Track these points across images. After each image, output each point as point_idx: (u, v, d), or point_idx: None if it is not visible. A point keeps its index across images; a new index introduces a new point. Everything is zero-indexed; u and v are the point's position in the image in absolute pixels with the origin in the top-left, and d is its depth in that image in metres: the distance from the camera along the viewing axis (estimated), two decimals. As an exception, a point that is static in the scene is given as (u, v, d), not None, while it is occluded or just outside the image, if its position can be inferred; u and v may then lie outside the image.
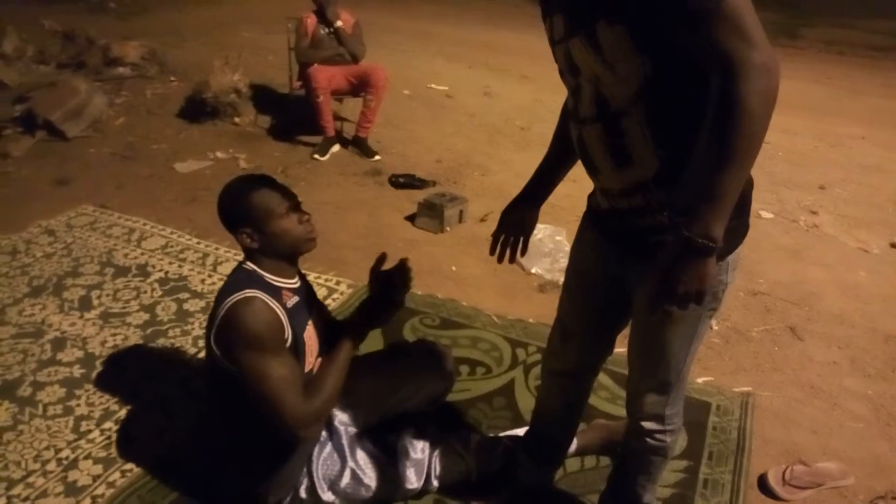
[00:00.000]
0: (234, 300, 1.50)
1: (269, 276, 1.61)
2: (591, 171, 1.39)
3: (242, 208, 1.58)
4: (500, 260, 1.72)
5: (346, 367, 1.64)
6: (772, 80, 1.04)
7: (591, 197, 1.53)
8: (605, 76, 1.22)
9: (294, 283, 1.68)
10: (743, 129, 1.04)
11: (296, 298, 1.65)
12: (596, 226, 1.51)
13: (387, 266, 1.76)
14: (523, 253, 1.74)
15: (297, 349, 1.60)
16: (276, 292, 1.58)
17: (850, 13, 11.16)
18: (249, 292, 1.51)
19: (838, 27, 10.31)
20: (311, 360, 1.68)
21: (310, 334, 1.67)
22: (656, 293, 1.19)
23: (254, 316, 1.48)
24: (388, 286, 1.74)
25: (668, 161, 1.23)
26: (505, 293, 3.04)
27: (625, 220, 1.37)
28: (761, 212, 3.95)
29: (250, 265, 1.62)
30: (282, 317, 1.54)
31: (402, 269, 1.78)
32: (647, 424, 1.57)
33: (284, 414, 1.49)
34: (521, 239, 1.72)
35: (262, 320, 1.49)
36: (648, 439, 1.58)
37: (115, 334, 2.57)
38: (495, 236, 1.73)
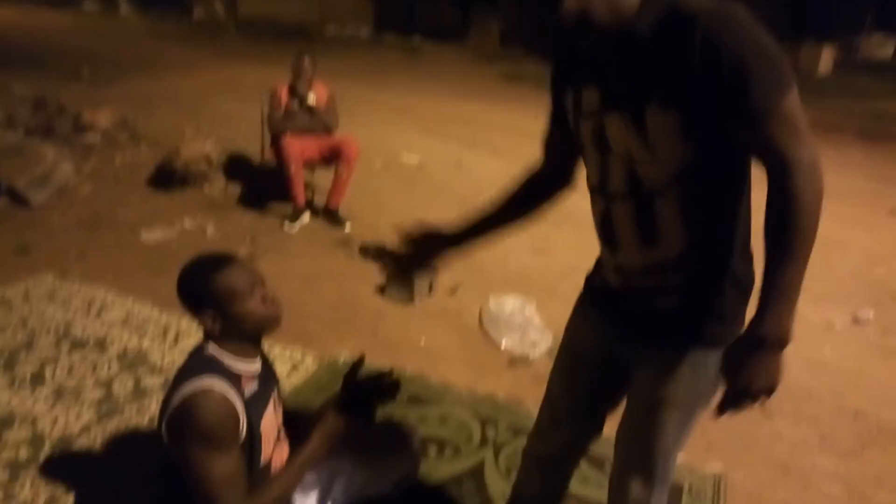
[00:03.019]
0: (191, 391, 1.43)
1: (228, 361, 1.54)
2: (611, 245, 1.38)
3: (204, 290, 1.52)
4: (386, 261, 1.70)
5: (299, 474, 1.56)
6: (821, 177, 1.09)
7: (592, 276, 1.53)
8: (641, 157, 1.22)
9: (255, 367, 1.61)
10: (801, 225, 1.08)
11: (255, 385, 1.57)
12: (599, 305, 1.49)
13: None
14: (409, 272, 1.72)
15: (252, 441, 1.53)
16: (235, 380, 1.51)
17: (802, 93, 11.70)
18: (207, 383, 1.44)
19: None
20: (269, 449, 1.61)
21: (267, 423, 1.59)
22: (728, 393, 1.21)
23: (209, 410, 1.41)
24: (359, 400, 1.67)
25: (693, 245, 1.26)
26: (475, 367, 3.00)
27: (636, 300, 1.37)
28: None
29: (210, 349, 1.55)
30: (238, 410, 1.47)
31: (381, 384, 1.72)
32: None
33: None
34: (412, 263, 1.67)
35: (217, 415, 1.42)
36: None
37: (67, 412, 2.46)
38: (404, 249, 1.64)
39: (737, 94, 1.06)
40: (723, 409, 1.23)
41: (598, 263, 1.50)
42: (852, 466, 2.49)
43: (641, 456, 1.46)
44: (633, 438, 1.47)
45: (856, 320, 3.73)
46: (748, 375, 1.16)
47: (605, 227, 1.36)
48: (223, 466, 1.42)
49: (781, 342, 1.14)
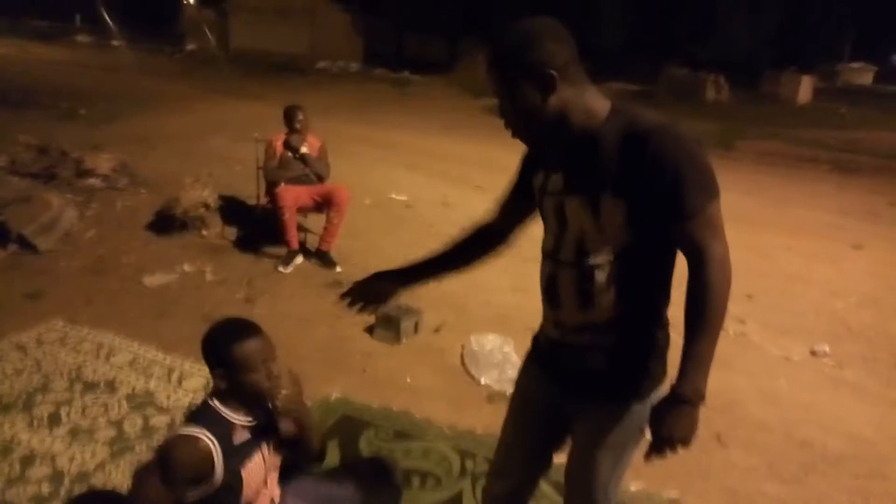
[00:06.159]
0: (182, 432, 1.72)
1: (226, 412, 1.79)
2: (553, 304, 1.63)
3: (222, 353, 1.76)
4: (349, 306, 1.91)
5: None
6: (729, 270, 1.38)
7: (537, 335, 1.79)
8: (592, 234, 1.48)
9: (249, 419, 1.84)
10: (712, 307, 1.36)
11: (247, 434, 1.81)
12: (542, 363, 1.76)
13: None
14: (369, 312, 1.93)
15: (229, 485, 1.75)
16: (228, 429, 1.76)
17: (779, 123, 12.12)
18: (197, 431, 1.71)
19: (770, 138, 11.16)
20: (250, 493, 1.82)
21: (252, 468, 1.81)
22: (654, 442, 1.45)
23: (181, 454, 1.68)
24: None
25: (622, 312, 1.52)
26: (456, 404, 3.25)
27: (571, 354, 1.63)
28: (694, 321, 4.27)
29: (213, 400, 1.80)
30: (216, 459, 1.71)
31: None
32: None
33: None
34: (371, 306, 1.92)
35: (186, 460, 1.68)
36: None
37: (83, 450, 2.69)
38: (353, 292, 1.90)
39: (673, 198, 1.36)
40: (649, 455, 1.49)
41: (542, 321, 1.75)
42: (795, 492, 2.75)
43: (583, 490, 1.73)
44: (576, 476, 1.75)
45: (813, 353, 4.01)
46: (669, 429, 1.42)
47: (550, 288, 1.63)
48: (158, 496, 1.70)
49: (696, 401, 1.40)
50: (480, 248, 1.86)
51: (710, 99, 15.60)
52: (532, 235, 1.88)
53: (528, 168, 1.69)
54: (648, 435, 1.49)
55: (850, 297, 4.91)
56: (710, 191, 1.37)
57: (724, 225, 1.39)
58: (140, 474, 1.77)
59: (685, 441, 1.43)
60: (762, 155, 10.05)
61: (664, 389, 1.49)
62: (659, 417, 1.43)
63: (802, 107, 16.62)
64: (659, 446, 1.45)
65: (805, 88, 17.57)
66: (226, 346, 1.76)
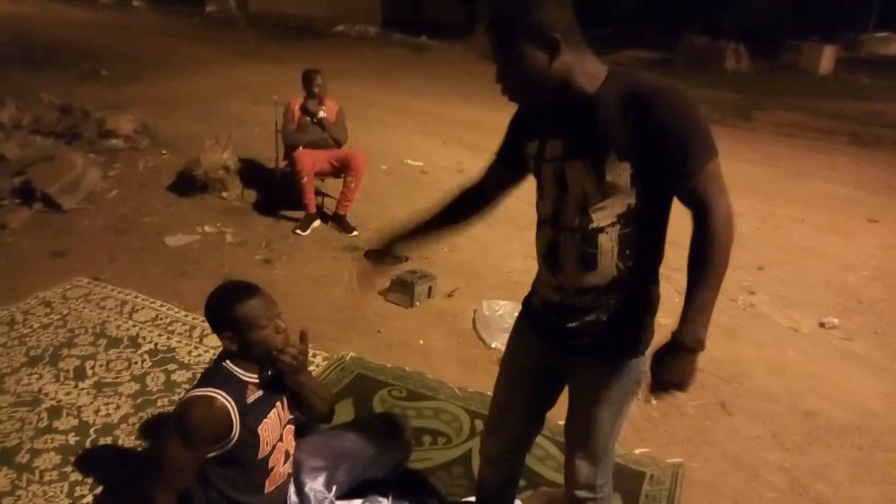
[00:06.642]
0: (197, 393, 1.78)
1: (239, 372, 1.85)
2: (553, 269, 1.66)
3: (228, 316, 1.81)
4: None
5: None
6: (732, 221, 1.43)
7: (530, 298, 1.82)
8: (595, 198, 1.50)
9: (262, 377, 1.91)
10: (716, 259, 1.41)
11: (260, 392, 1.88)
12: (537, 327, 1.79)
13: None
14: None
15: (245, 441, 1.83)
16: (241, 387, 1.83)
17: (799, 94, 11.92)
18: (211, 391, 1.77)
19: (789, 109, 10.97)
20: (267, 447, 1.90)
21: (268, 424, 1.89)
22: (654, 386, 1.51)
23: (200, 415, 1.73)
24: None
25: (624, 272, 1.57)
26: (467, 366, 3.33)
27: (570, 317, 1.67)
28: (705, 291, 4.30)
29: (225, 361, 1.86)
30: (233, 417, 1.78)
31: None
32: (581, 493, 1.85)
33: (155, 484, 1.76)
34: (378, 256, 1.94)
35: (205, 420, 1.74)
36: None
37: (107, 403, 2.81)
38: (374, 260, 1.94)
39: (679, 157, 1.41)
40: (648, 397, 1.55)
41: (536, 285, 1.80)
42: (798, 461, 2.81)
43: (585, 445, 1.79)
44: (578, 432, 1.81)
45: (822, 325, 4.04)
46: (671, 374, 1.48)
47: (550, 253, 1.66)
48: (182, 455, 1.76)
49: (697, 348, 1.46)
50: (468, 211, 1.89)
51: (729, 68, 15.31)
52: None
53: (518, 136, 1.70)
54: (643, 387, 1.55)
55: (863, 271, 4.90)
56: (712, 149, 1.42)
57: (724, 181, 1.44)
58: (159, 437, 1.84)
59: (684, 386, 1.49)
60: (780, 126, 9.88)
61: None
62: (661, 363, 1.49)
63: (824, 77, 16.26)
64: (660, 389, 1.51)
65: (827, 58, 17.15)
66: (230, 307, 1.81)
